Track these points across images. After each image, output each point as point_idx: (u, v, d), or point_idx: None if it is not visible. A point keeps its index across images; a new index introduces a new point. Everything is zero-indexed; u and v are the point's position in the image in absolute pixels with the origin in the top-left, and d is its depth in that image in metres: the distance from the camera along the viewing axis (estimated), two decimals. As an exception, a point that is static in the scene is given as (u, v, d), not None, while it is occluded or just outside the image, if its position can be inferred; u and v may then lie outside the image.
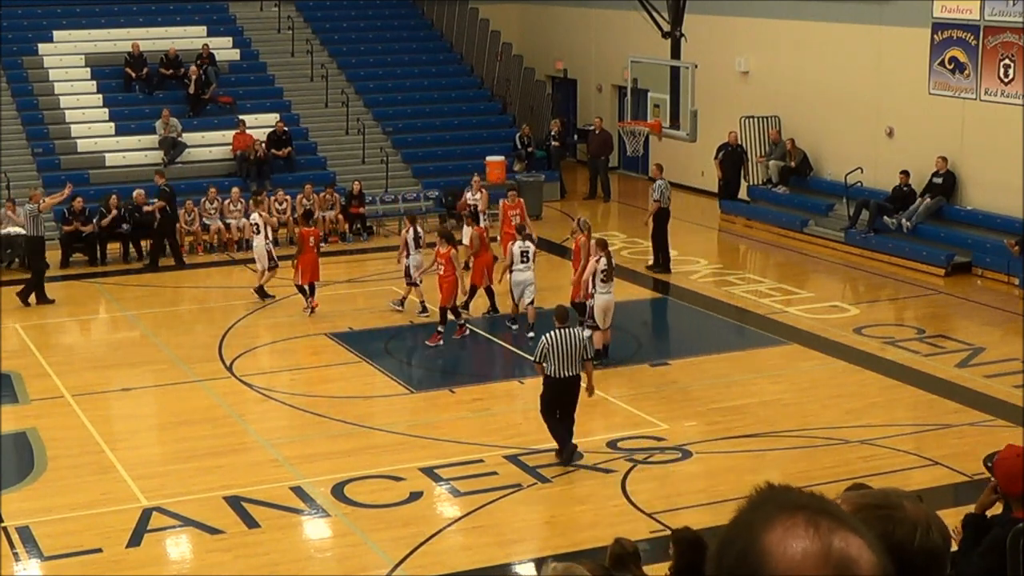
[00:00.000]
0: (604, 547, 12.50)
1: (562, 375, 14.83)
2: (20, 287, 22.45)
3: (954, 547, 8.91)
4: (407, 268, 21.20)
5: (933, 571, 2.53)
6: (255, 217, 23.00)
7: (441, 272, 19.64)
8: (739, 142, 28.75)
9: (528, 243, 20.53)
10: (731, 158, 28.81)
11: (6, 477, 15.07)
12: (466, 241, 21.91)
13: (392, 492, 14.33)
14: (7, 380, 18.52)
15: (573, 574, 4.44)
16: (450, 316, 19.79)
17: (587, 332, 16.37)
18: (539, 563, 12.72)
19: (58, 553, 13.18)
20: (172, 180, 27.76)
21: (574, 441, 15.45)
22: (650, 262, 24.58)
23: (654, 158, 31.83)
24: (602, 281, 18.47)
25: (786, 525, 2.04)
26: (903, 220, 24.89)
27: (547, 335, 15.00)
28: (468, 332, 19.95)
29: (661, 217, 24.10)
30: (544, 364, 14.84)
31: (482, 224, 22.84)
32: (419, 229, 21.53)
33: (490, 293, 21.18)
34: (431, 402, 17.70)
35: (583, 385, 15.21)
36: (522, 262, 20.20)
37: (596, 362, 18.44)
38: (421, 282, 21.16)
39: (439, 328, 19.68)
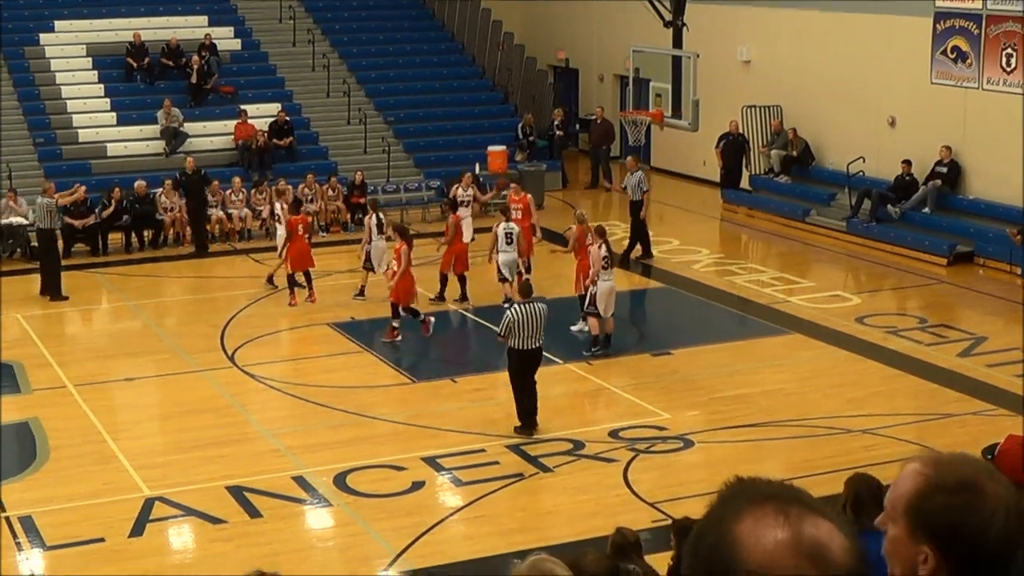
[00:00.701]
0: (606, 536, 12.50)
1: (529, 347, 15.56)
2: (40, 286, 22.30)
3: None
4: (368, 254, 21.23)
5: (1004, 562, 2.38)
6: (278, 208, 22.81)
7: (395, 268, 19.64)
8: (740, 131, 28.66)
9: (512, 224, 20.69)
10: (732, 147, 28.67)
11: (8, 467, 15.09)
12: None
13: (394, 482, 14.35)
14: (9, 370, 18.54)
15: (542, 569, 4.40)
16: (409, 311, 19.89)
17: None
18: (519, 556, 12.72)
19: (60, 543, 13.20)
20: (174, 170, 27.81)
21: (573, 433, 15.48)
22: (636, 254, 24.31)
23: (655, 148, 31.89)
24: (603, 268, 18.50)
25: (756, 516, 2.06)
26: (920, 208, 24.86)
27: (512, 309, 15.63)
28: (399, 337, 19.68)
29: (637, 208, 24.07)
30: (509, 337, 15.52)
31: (460, 212, 22.75)
32: (381, 216, 21.57)
33: (444, 281, 21.25)
34: (433, 392, 17.71)
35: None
36: (507, 243, 20.44)
37: (597, 350, 18.49)
38: (377, 270, 21.26)
39: (422, 318, 19.64)
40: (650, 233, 24.62)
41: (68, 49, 31.27)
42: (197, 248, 25.79)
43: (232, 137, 29.48)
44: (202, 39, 31.48)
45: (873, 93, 26.58)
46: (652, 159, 32.79)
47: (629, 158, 25.19)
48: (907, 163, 25.33)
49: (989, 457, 7.23)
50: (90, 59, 31.14)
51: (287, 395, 17.62)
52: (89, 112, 29.70)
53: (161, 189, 26.30)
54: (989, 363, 18.52)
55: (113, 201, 25.47)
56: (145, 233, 26.01)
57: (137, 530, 13.41)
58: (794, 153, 28.22)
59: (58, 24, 31.90)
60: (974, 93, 24.40)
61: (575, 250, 19.86)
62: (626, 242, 24.39)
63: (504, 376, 18.01)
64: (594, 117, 32.17)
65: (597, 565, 7.21)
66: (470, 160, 29.47)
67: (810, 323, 20.49)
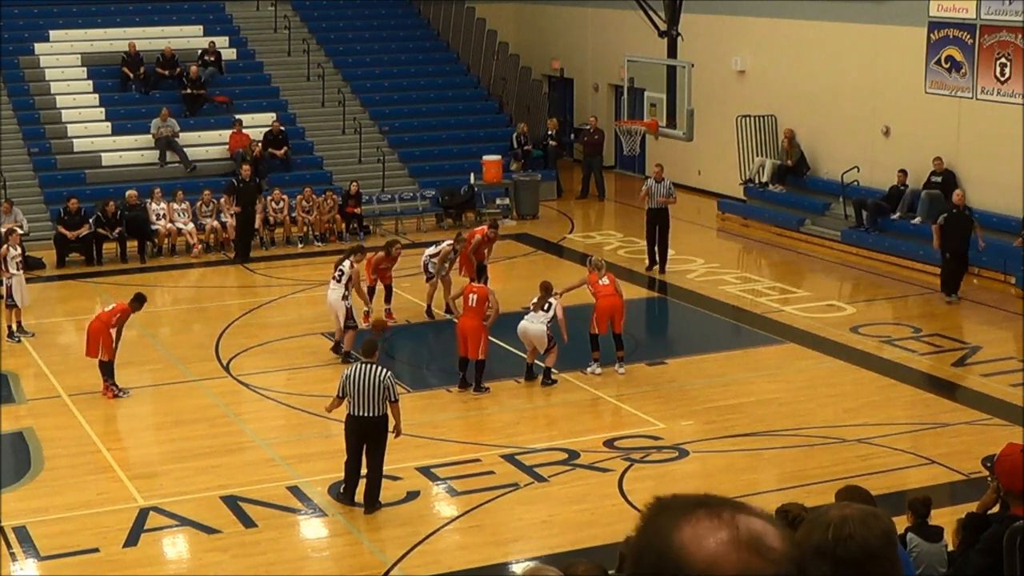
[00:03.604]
0: (602, 546, 12.52)
1: (360, 413, 13.83)
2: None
3: (951, 547, 8.92)
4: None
5: (867, 563, 2.82)
6: (347, 266, 19.37)
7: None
8: (965, 203, 22.63)
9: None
10: (957, 224, 22.07)
11: (3, 477, 15.06)
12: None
13: (389, 491, 14.32)
14: (4, 380, 18.52)
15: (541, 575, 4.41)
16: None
17: (388, 373, 14.05)
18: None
19: (55, 553, 13.18)
20: (168, 180, 27.84)
21: (568, 443, 15.45)
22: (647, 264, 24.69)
23: (650, 157, 31.88)
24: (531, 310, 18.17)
25: (692, 522, 2.16)
26: (916, 218, 24.84)
27: (349, 368, 14.36)
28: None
29: (664, 215, 24.29)
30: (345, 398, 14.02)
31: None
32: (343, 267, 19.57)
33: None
34: (428, 401, 17.69)
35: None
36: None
37: (550, 381, 18.26)
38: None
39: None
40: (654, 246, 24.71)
41: (63, 59, 31.28)
42: (239, 255, 25.78)
43: (227, 147, 29.48)
44: (207, 46, 31.59)
45: (867, 103, 26.64)
46: (647, 169, 32.81)
47: (656, 167, 25.07)
48: (903, 172, 25.38)
49: (988, 466, 7.23)
50: (85, 69, 31.15)
51: (282, 405, 17.61)
52: (84, 122, 29.71)
53: (150, 199, 26.41)
54: (984, 372, 18.55)
55: (108, 214, 25.53)
56: (147, 244, 26.04)
57: (131, 540, 13.39)
58: (789, 162, 28.25)
59: (53, 33, 31.92)
60: (968, 103, 24.45)
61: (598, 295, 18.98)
62: (623, 252, 24.38)
63: (500, 385, 18.05)
64: (588, 127, 32.21)
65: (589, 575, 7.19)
66: (465, 170, 29.53)
67: (805, 333, 20.50)
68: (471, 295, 17.98)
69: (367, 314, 20.64)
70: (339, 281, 19.25)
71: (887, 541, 2.85)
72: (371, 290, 20.67)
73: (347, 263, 19.37)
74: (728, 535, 2.15)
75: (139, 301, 18.22)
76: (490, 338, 18.02)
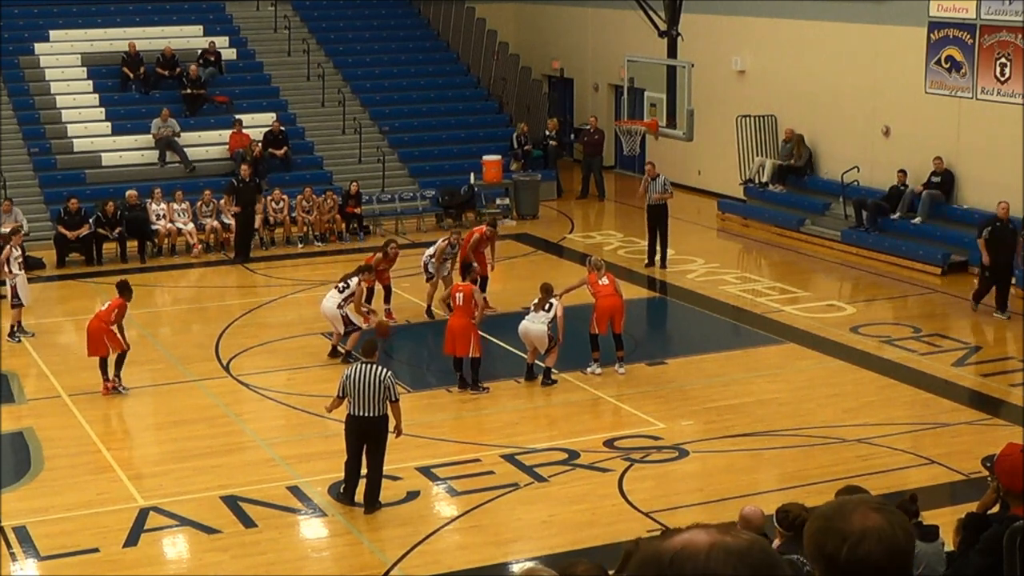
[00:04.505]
0: (601, 546, 12.54)
1: (360, 413, 13.85)
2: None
3: (950, 547, 8.92)
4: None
5: None
6: (354, 283, 19.45)
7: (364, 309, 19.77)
8: (1009, 215, 21.48)
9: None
10: (1001, 236, 21.21)
11: (3, 477, 15.06)
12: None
13: (389, 491, 14.32)
14: (4, 380, 18.52)
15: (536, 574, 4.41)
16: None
17: (388, 372, 14.05)
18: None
19: (55, 553, 13.18)
20: (168, 180, 27.84)
21: (568, 443, 15.44)
22: (647, 261, 24.83)
23: (650, 157, 31.85)
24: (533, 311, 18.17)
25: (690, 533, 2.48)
26: (915, 218, 24.86)
27: (349, 368, 14.37)
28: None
29: (663, 211, 24.64)
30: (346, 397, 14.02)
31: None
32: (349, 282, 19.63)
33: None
34: (428, 401, 17.69)
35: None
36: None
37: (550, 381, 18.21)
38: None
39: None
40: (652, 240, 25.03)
41: (63, 59, 31.28)
42: (239, 255, 25.76)
43: (227, 147, 29.48)
44: (208, 46, 31.60)
45: (867, 103, 26.64)
46: (646, 169, 32.78)
47: (648, 165, 25.47)
48: (903, 172, 25.39)
49: (988, 466, 7.23)
50: (85, 69, 31.15)
51: (282, 405, 17.61)
52: (84, 122, 29.71)
53: (150, 199, 26.42)
54: (983, 372, 18.56)
55: (108, 213, 25.53)
56: (147, 244, 26.03)
57: (131, 540, 13.39)
58: (794, 162, 28.22)
59: (53, 33, 31.93)
60: (968, 103, 24.45)
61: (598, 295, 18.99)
62: (623, 252, 24.38)
63: (500, 385, 18.06)
64: (588, 127, 32.21)
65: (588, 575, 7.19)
66: (465, 170, 29.53)
67: (805, 333, 20.50)
68: (457, 294, 18.07)
69: (368, 313, 20.63)
70: (340, 292, 19.30)
71: (903, 560, 2.83)
72: (370, 291, 20.62)
73: (355, 279, 19.43)
74: (703, 528, 2.48)
75: (126, 289, 18.18)
76: (491, 338, 18.02)
